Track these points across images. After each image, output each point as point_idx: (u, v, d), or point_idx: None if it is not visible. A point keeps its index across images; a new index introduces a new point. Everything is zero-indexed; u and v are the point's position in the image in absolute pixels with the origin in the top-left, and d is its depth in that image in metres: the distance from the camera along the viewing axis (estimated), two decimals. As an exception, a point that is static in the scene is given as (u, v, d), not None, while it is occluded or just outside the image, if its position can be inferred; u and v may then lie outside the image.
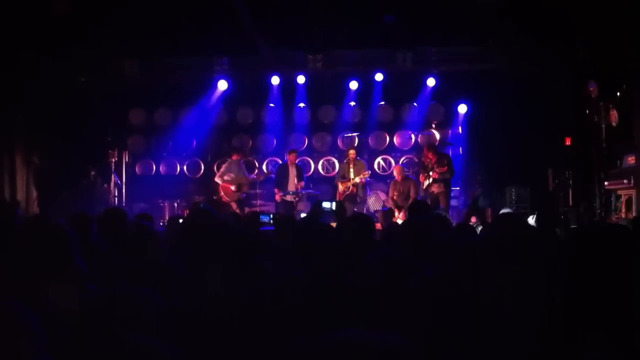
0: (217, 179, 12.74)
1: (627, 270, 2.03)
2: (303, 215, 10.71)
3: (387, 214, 10.89)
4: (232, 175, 12.60)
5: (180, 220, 6.82)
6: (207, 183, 13.87)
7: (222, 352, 2.38)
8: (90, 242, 4.37)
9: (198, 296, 2.55)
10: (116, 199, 13.60)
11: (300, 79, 13.56)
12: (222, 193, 12.61)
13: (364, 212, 12.29)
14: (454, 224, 6.34)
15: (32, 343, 1.57)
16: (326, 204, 10.50)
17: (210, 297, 2.55)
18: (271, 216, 10.20)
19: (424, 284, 2.85)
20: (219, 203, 12.33)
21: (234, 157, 12.87)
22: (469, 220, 11.03)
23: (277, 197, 12.50)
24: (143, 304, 2.11)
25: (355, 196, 12.32)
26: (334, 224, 5.01)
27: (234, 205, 12.40)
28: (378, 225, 8.02)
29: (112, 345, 1.60)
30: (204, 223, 3.51)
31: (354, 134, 13.81)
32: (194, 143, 14.40)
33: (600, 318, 1.94)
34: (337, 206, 9.90)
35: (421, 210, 6.27)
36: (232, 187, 12.53)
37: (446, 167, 11.46)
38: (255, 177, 13.18)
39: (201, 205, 9.79)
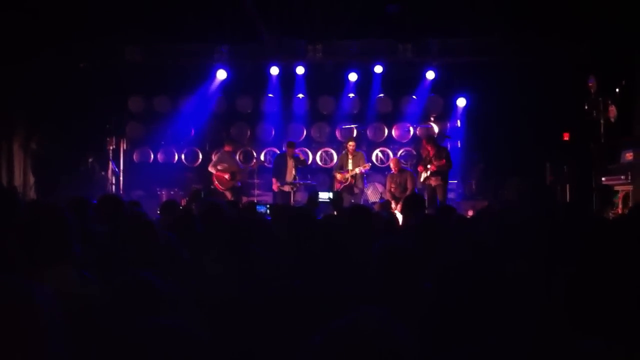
0: (211, 168, 12.77)
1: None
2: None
3: (385, 205, 10.88)
4: (225, 164, 12.62)
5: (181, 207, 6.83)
6: (205, 172, 13.87)
7: (220, 332, 2.40)
8: (88, 227, 4.37)
9: (198, 280, 2.56)
10: (114, 186, 13.60)
11: (300, 70, 13.56)
12: (217, 182, 12.63)
13: (361, 203, 12.31)
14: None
15: (40, 321, 1.57)
16: (323, 194, 10.51)
17: (209, 280, 2.56)
18: (268, 206, 10.24)
19: (426, 276, 2.86)
20: (215, 192, 12.35)
21: (226, 148, 12.88)
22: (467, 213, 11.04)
23: (275, 187, 12.52)
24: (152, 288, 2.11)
25: (353, 187, 12.32)
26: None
27: (228, 194, 12.40)
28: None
29: (149, 330, 1.60)
30: (219, 218, 3.54)
31: (352, 126, 13.79)
32: (193, 132, 14.39)
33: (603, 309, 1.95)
34: (334, 196, 9.91)
35: (416, 205, 6.24)
36: (226, 176, 12.53)
37: (444, 160, 11.48)
38: (247, 167, 13.25)
39: (202, 194, 9.80)
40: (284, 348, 2.28)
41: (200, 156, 14.37)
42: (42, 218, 2.72)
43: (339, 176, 12.34)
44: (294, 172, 12.47)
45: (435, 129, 13.81)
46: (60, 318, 1.64)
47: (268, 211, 9.90)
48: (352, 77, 13.67)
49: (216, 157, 12.94)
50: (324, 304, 2.58)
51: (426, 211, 10.13)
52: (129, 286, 2.24)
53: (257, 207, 10.53)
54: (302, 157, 13.18)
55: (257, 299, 2.64)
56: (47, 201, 5.29)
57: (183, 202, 12.22)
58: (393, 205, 11.43)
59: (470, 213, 11.28)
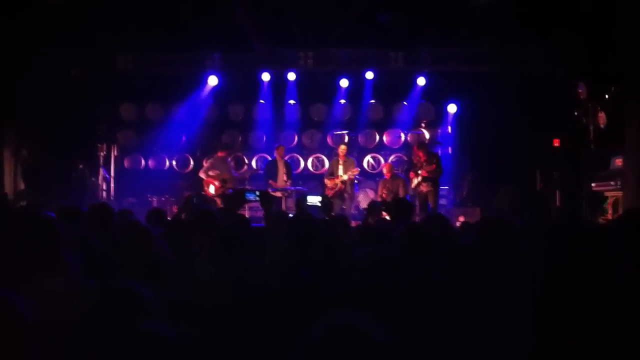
0: (202, 174, 12.58)
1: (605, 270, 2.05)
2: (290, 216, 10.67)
3: (373, 209, 10.87)
4: (217, 171, 12.51)
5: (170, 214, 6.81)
6: (196, 178, 13.85)
7: (214, 335, 2.41)
8: (80, 235, 4.36)
9: (191, 285, 2.57)
10: (104, 192, 13.57)
11: (291, 76, 13.57)
12: (207, 188, 12.53)
13: (352, 209, 12.32)
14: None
15: (25, 332, 1.58)
16: (312, 199, 10.49)
17: (203, 285, 2.57)
18: (257, 193, 10.16)
19: (413, 282, 2.87)
20: (205, 199, 12.27)
21: (219, 154, 12.72)
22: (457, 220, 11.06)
23: (266, 194, 12.47)
24: (138, 296, 2.12)
25: (344, 193, 12.30)
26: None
27: (218, 201, 12.32)
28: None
29: (127, 335, 1.62)
30: (210, 224, 3.55)
31: (343, 132, 13.80)
32: (184, 138, 14.38)
33: (579, 317, 1.96)
34: (322, 200, 9.87)
35: (404, 210, 6.23)
36: (216, 183, 12.39)
37: (434, 166, 11.48)
38: (239, 175, 13.12)
39: (194, 200, 9.74)
40: (275, 353, 2.29)
41: (192, 163, 14.36)
42: (33, 227, 2.72)
43: (329, 182, 12.33)
44: (285, 177, 12.42)
45: (426, 135, 13.86)
46: (44, 327, 1.66)
47: (257, 198, 9.79)
48: (344, 83, 13.71)
49: (208, 163, 12.79)
50: (318, 309, 2.59)
51: (417, 218, 10.17)
52: (116, 295, 2.24)
53: (247, 194, 10.43)
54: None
55: (249, 305, 2.64)
56: (38, 209, 5.28)
57: (174, 209, 12.21)
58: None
59: (462, 219, 11.31)
